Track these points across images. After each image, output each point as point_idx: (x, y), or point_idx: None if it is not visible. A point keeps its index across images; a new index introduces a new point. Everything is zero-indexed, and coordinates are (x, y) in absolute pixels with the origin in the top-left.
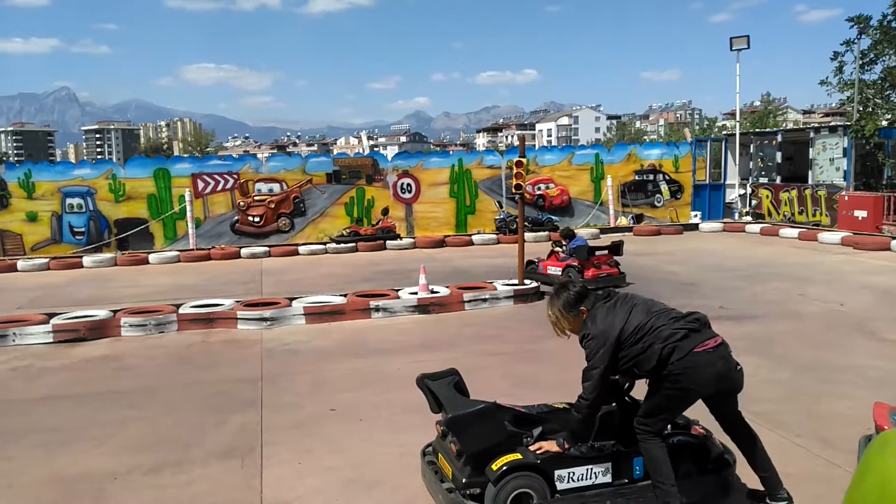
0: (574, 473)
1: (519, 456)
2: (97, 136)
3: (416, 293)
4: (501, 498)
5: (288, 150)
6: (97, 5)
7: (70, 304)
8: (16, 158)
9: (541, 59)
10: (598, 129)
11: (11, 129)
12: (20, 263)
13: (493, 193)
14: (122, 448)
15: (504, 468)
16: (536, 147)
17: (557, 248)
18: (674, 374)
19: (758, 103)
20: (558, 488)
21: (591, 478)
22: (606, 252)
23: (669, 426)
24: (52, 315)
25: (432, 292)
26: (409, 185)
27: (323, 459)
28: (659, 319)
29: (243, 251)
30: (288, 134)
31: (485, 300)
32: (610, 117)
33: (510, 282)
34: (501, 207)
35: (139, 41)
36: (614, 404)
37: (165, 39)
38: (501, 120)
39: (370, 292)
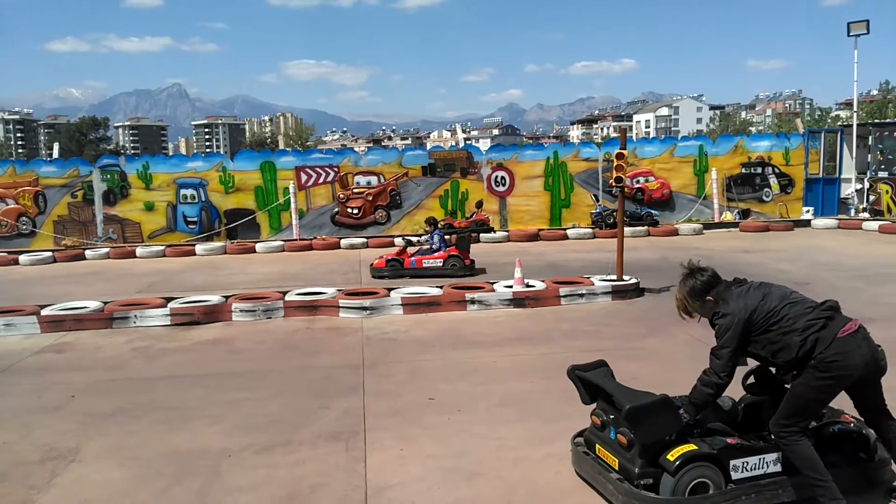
0: (748, 463)
1: (695, 447)
2: (206, 130)
3: (511, 287)
4: (680, 488)
5: (383, 143)
6: (206, 4)
7: (185, 290)
8: (133, 151)
9: (639, 47)
10: (699, 120)
11: (129, 123)
12: (139, 250)
13: (589, 187)
14: (235, 427)
15: (682, 458)
16: (635, 139)
17: (416, 239)
18: (824, 363)
19: (875, 92)
20: (733, 478)
21: (763, 467)
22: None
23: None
24: (169, 299)
25: (527, 286)
26: (503, 177)
27: (423, 447)
28: (793, 308)
29: (342, 242)
30: (383, 128)
31: (581, 295)
32: (713, 107)
33: (608, 277)
34: (598, 201)
35: (244, 39)
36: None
37: (268, 37)
38: (597, 111)
39: (465, 285)
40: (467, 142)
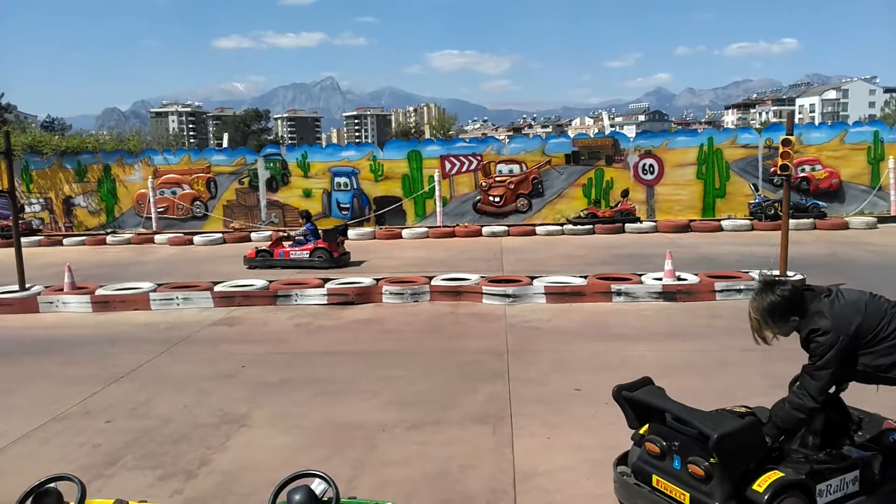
0: (831, 486)
1: (782, 473)
2: (356, 121)
3: (660, 279)
4: None
5: (523, 131)
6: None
7: (339, 272)
8: (290, 141)
9: (802, 26)
10: (872, 104)
11: (286, 115)
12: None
13: (748, 175)
14: (388, 403)
15: (772, 489)
16: (799, 124)
17: (292, 233)
18: None
19: None
20: (818, 503)
21: (843, 488)
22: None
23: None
24: (325, 280)
25: (678, 279)
26: (651, 165)
27: (571, 438)
28: None
29: (484, 230)
30: (524, 116)
31: (739, 291)
32: (888, 90)
33: (770, 272)
34: (757, 191)
35: (392, 32)
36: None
37: (414, 29)
38: (755, 95)
39: (612, 275)
40: (612, 129)
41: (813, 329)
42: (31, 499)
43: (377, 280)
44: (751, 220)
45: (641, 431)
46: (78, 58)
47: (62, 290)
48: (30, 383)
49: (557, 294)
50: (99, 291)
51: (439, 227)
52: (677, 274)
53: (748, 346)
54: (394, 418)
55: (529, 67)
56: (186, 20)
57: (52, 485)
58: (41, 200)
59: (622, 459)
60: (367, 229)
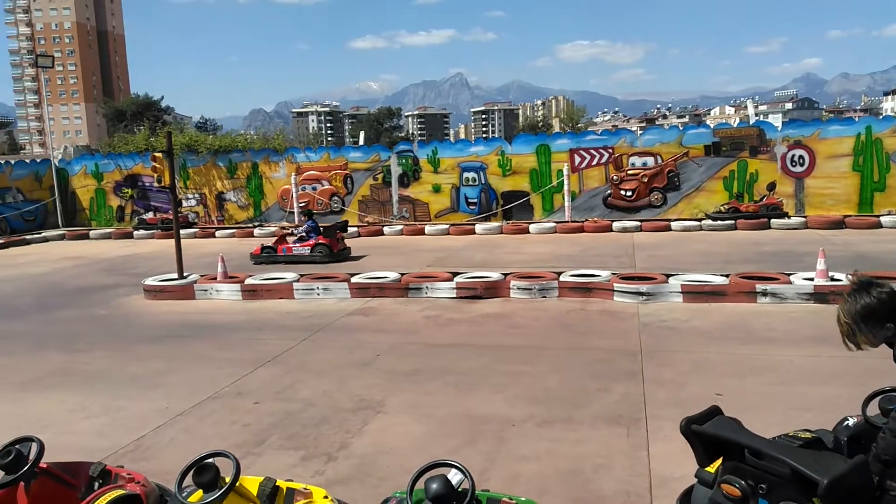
0: None
1: None
2: (483, 116)
3: (811, 279)
4: None
5: (657, 122)
6: None
7: (467, 266)
8: (420, 137)
9: None
10: None
11: (416, 112)
12: (427, 228)
13: None
14: (517, 398)
15: None
16: None
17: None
18: None
19: None
20: None
21: None
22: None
23: None
24: (454, 274)
25: (832, 280)
26: (800, 157)
27: None
28: None
29: (615, 225)
30: (658, 106)
31: None
32: None
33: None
34: None
35: (521, 25)
36: None
37: (544, 21)
38: None
39: (756, 274)
40: (757, 117)
41: None
42: (192, 471)
43: (505, 275)
44: None
45: (711, 469)
46: (231, 63)
47: (215, 278)
48: (188, 364)
49: (695, 293)
50: (248, 281)
51: (567, 221)
52: (830, 274)
53: None
54: (523, 413)
55: (665, 55)
56: (326, 24)
57: (210, 460)
58: (196, 195)
59: (685, 499)
60: (494, 224)
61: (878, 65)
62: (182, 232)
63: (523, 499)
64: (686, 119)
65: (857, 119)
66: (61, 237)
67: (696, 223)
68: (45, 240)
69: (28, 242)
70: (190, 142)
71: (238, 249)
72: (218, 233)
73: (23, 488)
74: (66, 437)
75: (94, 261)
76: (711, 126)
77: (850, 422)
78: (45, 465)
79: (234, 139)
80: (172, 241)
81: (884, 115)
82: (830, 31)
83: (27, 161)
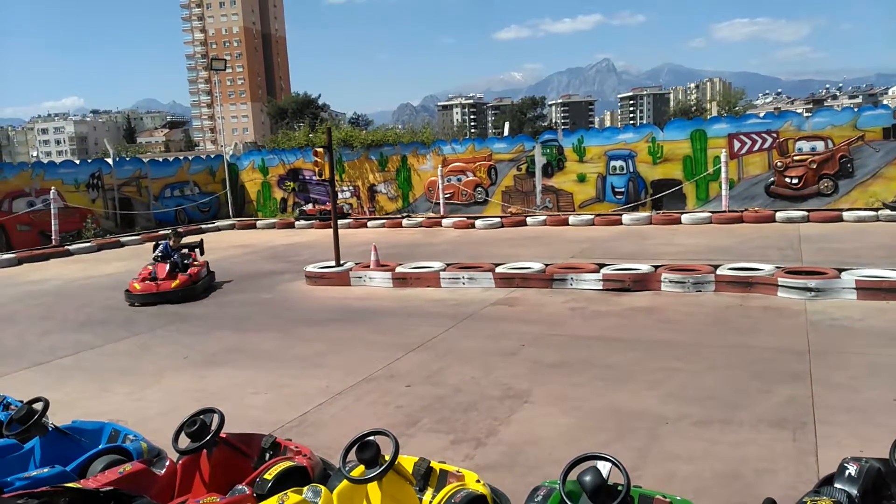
0: None
1: None
2: (630, 102)
3: None
4: None
5: (825, 103)
6: None
7: (614, 257)
8: (564, 126)
9: None
10: None
11: (560, 101)
12: (571, 218)
13: None
14: (671, 395)
15: None
16: None
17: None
18: None
19: None
20: None
21: None
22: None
23: None
24: (601, 265)
25: None
26: None
27: None
28: None
29: (778, 215)
30: (826, 86)
31: None
32: None
33: None
34: None
35: (673, 5)
36: None
37: (699, 0)
38: None
39: None
40: None
41: None
42: (355, 448)
43: (655, 267)
44: None
45: None
46: (380, 60)
47: (369, 266)
48: (345, 346)
49: (872, 290)
50: (398, 269)
51: (724, 211)
52: None
53: None
54: (677, 412)
55: (835, 30)
56: (470, 16)
57: (371, 437)
58: (351, 188)
59: None
60: (643, 214)
61: None
62: (338, 222)
63: (679, 498)
64: (860, 100)
65: None
66: (231, 227)
67: (873, 213)
68: (218, 229)
69: (203, 231)
70: (345, 137)
71: (388, 239)
72: (370, 223)
73: (205, 455)
74: (239, 411)
75: (260, 248)
76: (891, 107)
77: (852, 469)
78: (224, 436)
79: (385, 134)
80: (330, 231)
81: None
82: None
83: (203, 157)
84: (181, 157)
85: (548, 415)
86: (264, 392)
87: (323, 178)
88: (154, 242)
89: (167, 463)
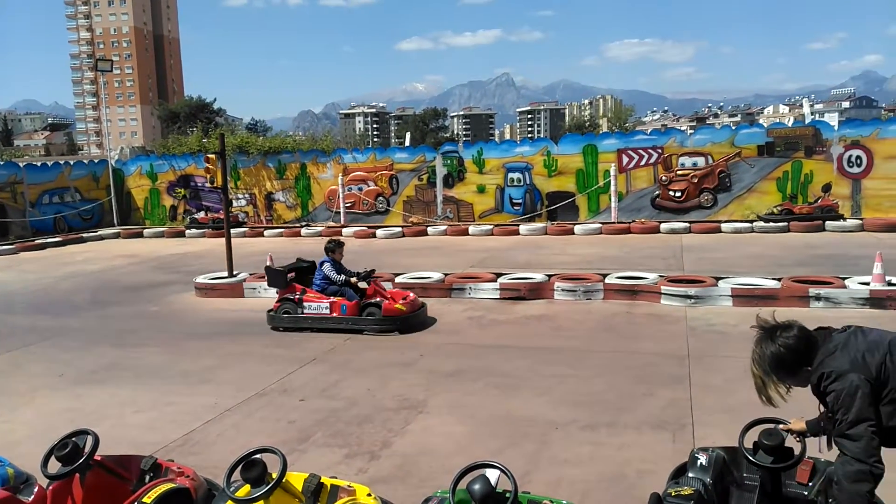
0: None
1: None
2: (528, 116)
3: (867, 283)
4: None
5: (707, 121)
6: None
7: (511, 267)
8: (465, 138)
9: None
10: None
11: (462, 113)
12: (471, 228)
13: None
14: (561, 401)
15: None
16: None
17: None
18: None
19: None
20: None
21: None
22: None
23: None
24: (498, 275)
25: (889, 284)
26: (858, 157)
27: None
28: None
29: (663, 226)
30: (709, 105)
31: None
32: None
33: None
34: None
35: (569, 24)
36: None
37: (592, 19)
38: None
39: (809, 278)
40: (812, 116)
41: (825, 374)
42: (240, 467)
43: (549, 276)
44: None
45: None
46: (281, 65)
47: (264, 277)
48: (237, 361)
49: (746, 297)
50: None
51: (614, 223)
52: (888, 279)
53: None
54: (567, 417)
55: (717, 53)
56: (373, 26)
57: (258, 456)
58: (247, 196)
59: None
60: (539, 225)
61: None
62: (232, 231)
63: (564, 502)
64: (738, 118)
65: None
66: (116, 235)
67: (748, 225)
68: (101, 238)
69: (85, 240)
70: (241, 143)
71: (286, 249)
72: (266, 232)
73: (78, 480)
74: (118, 431)
75: (147, 259)
76: (765, 125)
77: (703, 459)
78: (99, 458)
79: (284, 140)
80: (223, 240)
81: None
82: (892, 25)
83: (85, 162)
84: (62, 162)
85: (443, 424)
86: (147, 410)
87: (215, 185)
88: (297, 265)
89: (36, 489)
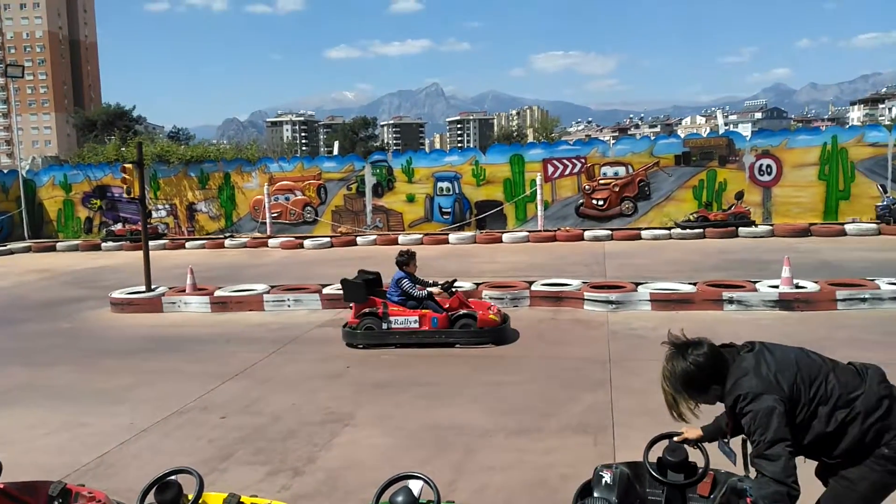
0: None
1: None
2: (458, 125)
3: (776, 287)
4: None
5: (629, 132)
6: (462, 5)
7: (440, 276)
8: (395, 147)
9: None
10: None
11: (392, 122)
12: (400, 238)
13: (875, 176)
14: (489, 409)
15: None
16: None
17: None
18: (893, 457)
19: None
20: None
21: None
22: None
23: None
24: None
25: (797, 287)
26: (768, 166)
27: None
28: (840, 378)
29: (587, 234)
30: (630, 116)
31: (863, 300)
32: None
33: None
34: (885, 192)
35: (497, 35)
36: None
37: (519, 31)
38: (884, 89)
39: (723, 282)
40: (726, 127)
41: (742, 395)
42: (154, 489)
43: (477, 284)
44: (878, 223)
45: None
46: (203, 71)
47: (184, 291)
48: (155, 378)
49: (664, 301)
50: (217, 293)
51: (540, 231)
52: (795, 281)
53: (878, 361)
54: (493, 424)
55: (637, 66)
56: (300, 33)
57: (173, 477)
58: (167, 206)
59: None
60: (468, 233)
61: (846, 75)
62: (151, 243)
63: None
64: (658, 129)
65: (823, 129)
66: (27, 249)
67: (666, 232)
68: (11, 252)
69: None
70: (161, 152)
71: (209, 261)
72: (188, 244)
73: None
74: (26, 456)
75: (60, 273)
76: (681, 136)
77: (607, 477)
78: (2, 486)
79: (207, 149)
80: (141, 253)
81: (850, 124)
82: (799, 40)
83: None
84: None
85: (369, 437)
86: (58, 433)
87: (132, 195)
88: (363, 277)
89: None
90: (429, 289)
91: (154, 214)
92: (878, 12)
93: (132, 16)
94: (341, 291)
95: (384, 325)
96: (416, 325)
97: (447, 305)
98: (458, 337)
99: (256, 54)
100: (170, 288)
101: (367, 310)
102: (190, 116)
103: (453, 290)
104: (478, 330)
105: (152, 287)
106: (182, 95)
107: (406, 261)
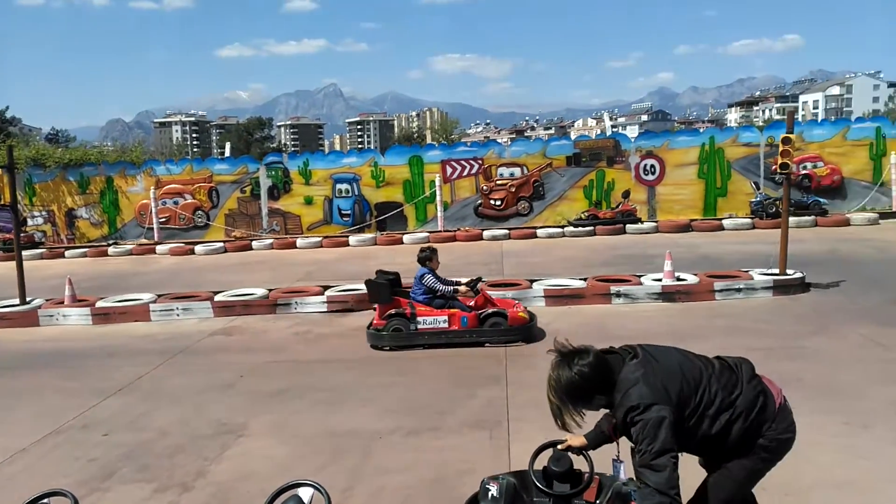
0: None
1: None
2: (358, 127)
3: (660, 280)
4: None
5: (526, 134)
6: (357, 5)
7: (340, 279)
8: (293, 148)
9: (805, 22)
10: (876, 100)
11: (289, 122)
12: (298, 241)
13: (749, 174)
14: (386, 410)
15: None
16: (802, 121)
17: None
18: (777, 440)
19: None
20: None
21: None
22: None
23: None
24: (325, 287)
25: (678, 279)
26: (652, 166)
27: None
28: (721, 379)
29: (485, 233)
30: (526, 118)
31: (738, 290)
32: (892, 84)
33: (769, 271)
34: (758, 189)
35: (394, 37)
36: None
37: (416, 33)
38: (758, 93)
39: (611, 277)
40: (614, 129)
41: (632, 406)
42: None
43: None
44: (752, 218)
45: None
46: (84, 70)
47: (62, 302)
48: (30, 397)
49: (557, 297)
50: (99, 304)
51: (440, 231)
52: (677, 274)
53: (747, 346)
54: (391, 425)
55: (531, 70)
56: (190, 31)
57: (45, 500)
58: (43, 213)
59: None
60: (369, 235)
61: (724, 79)
62: (27, 253)
63: None
64: (552, 131)
65: (702, 130)
66: None
67: (560, 230)
68: None
69: None
70: (36, 155)
71: (91, 270)
72: (67, 253)
73: None
74: None
75: None
76: (572, 138)
77: (493, 490)
78: None
79: (87, 152)
80: (14, 264)
81: (726, 125)
82: (680, 46)
83: None
84: None
85: (263, 447)
86: None
87: (3, 202)
88: (384, 277)
89: None
90: (451, 287)
91: (29, 222)
92: (751, 20)
93: (4, 10)
94: (235, 298)
95: (412, 326)
96: (446, 325)
97: (471, 304)
98: (488, 336)
99: (142, 52)
100: (47, 300)
101: (393, 311)
102: (71, 117)
103: (477, 288)
104: (508, 328)
105: (27, 300)
106: (61, 96)
107: (429, 256)
